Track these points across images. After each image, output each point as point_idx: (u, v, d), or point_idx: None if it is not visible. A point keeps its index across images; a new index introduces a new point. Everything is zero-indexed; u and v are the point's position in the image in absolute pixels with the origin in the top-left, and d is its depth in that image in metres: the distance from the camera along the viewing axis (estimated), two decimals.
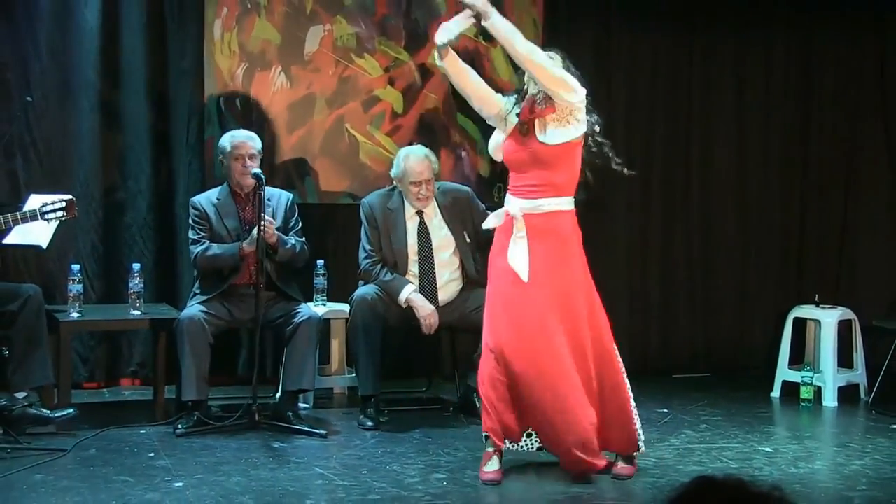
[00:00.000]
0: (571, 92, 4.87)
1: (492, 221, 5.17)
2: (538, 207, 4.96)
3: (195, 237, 6.04)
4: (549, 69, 4.84)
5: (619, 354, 5.12)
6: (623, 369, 5.11)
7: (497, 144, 5.19)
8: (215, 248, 5.97)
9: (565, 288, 4.95)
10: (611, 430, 5.01)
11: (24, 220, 5.46)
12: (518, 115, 5.02)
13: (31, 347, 5.58)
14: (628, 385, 5.11)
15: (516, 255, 4.95)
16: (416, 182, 6.09)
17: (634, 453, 5.09)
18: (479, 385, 5.12)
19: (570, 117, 4.92)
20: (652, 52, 7.67)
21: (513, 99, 5.11)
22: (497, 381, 4.94)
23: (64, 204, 5.50)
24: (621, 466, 5.04)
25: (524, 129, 4.99)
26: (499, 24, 4.87)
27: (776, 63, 7.88)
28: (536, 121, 4.96)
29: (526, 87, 5.04)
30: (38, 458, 5.19)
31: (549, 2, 7.43)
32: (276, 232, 5.95)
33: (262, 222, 5.75)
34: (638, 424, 5.11)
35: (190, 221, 6.11)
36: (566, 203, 5.00)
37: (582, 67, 7.33)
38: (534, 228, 4.95)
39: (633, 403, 5.11)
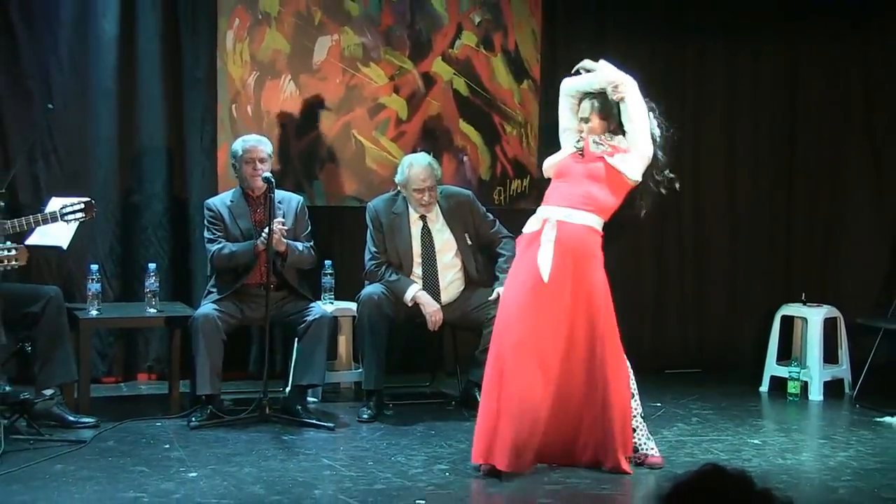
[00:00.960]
0: (640, 167, 5.04)
1: (529, 225, 5.10)
2: (572, 216, 4.96)
3: (210, 237, 6.05)
4: (649, 146, 5.06)
5: (628, 367, 5.09)
6: (630, 381, 5.08)
7: (552, 164, 5.21)
8: (231, 247, 5.97)
9: (581, 298, 4.93)
10: (608, 433, 4.95)
11: (46, 221, 5.48)
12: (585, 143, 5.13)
13: (55, 346, 5.58)
14: (634, 396, 5.09)
15: (543, 256, 4.92)
16: (420, 189, 6.10)
17: (630, 455, 5.06)
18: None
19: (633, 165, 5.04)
20: (646, 61, 7.62)
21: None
22: (492, 386, 4.91)
23: (83, 206, 5.51)
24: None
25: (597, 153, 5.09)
26: (636, 97, 5.11)
27: (764, 70, 7.88)
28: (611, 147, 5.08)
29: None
30: (59, 450, 5.19)
31: (547, 12, 7.44)
32: (286, 240, 5.95)
33: (273, 224, 5.76)
34: (637, 436, 5.09)
35: (205, 222, 6.11)
36: (597, 222, 5.01)
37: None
38: (564, 234, 4.93)
39: (635, 413, 5.09)
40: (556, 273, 4.89)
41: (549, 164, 5.23)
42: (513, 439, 4.82)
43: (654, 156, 5.10)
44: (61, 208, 5.48)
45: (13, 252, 4.84)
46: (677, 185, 5.26)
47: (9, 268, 4.88)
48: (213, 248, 6.01)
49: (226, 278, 6.02)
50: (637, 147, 5.04)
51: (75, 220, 5.52)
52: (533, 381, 4.86)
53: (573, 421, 4.95)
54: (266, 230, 5.81)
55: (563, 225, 4.94)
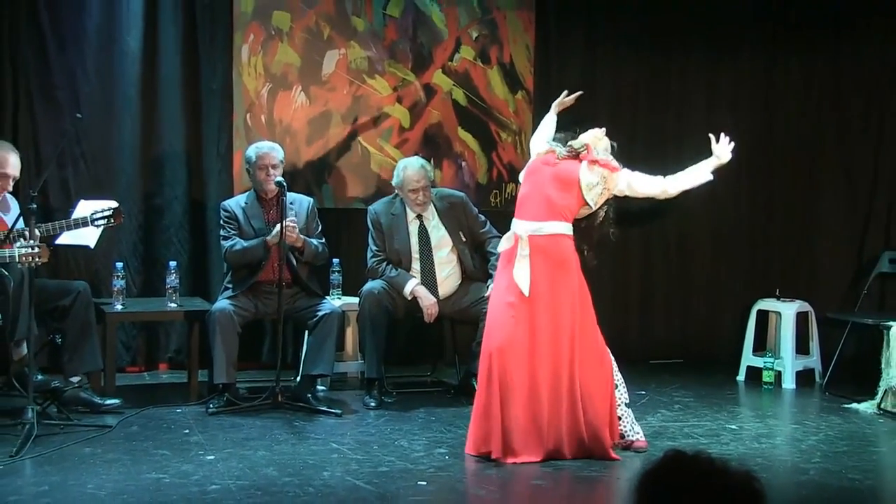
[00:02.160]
0: (602, 200, 5.05)
1: (503, 244, 5.15)
2: (540, 229, 4.97)
3: (225, 234, 6.06)
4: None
5: (611, 360, 5.09)
6: (615, 375, 5.08)
7: (536, 151, 5.27)
8: (243, 243, 5.98)
9: (560, 304, 4.94)
10: (592, 425, 4.95)
11: (77, 226, 5.51)
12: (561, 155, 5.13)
13: (83, 337, 5.60)
14: (616, 386, 5.09)
15: (520, 272, 4.95)
16: (414, 189, 6.13)
17: (617, 442, 5.09)
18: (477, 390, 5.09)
19: (600, 185, 5.03)
20: (632, 72, 7.68)
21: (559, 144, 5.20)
22: (485, 385, 4.93)
23: (111, 212, 5.52)
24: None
25: (572, 153, 5.10)
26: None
27: (744, 82, 7.89)
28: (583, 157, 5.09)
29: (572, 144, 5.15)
30: (87, 434, 5.21)
31: (540, 28, 7.45)
32: (302, 236, 5.98)
33: (285, 225, 5.79)
34: (623, 423, 5.11)
35: (220, 222, 6.12)
36: (565, 227, 5.00)
37: (568, 87, 7.45)
38: (536, 248, 4.96)
39: (619, 405, 5.10)
40: (534, 284, 4.92)
41: (533, 149, 5.29)
42: (503, 431, 4.86)
43: (607, 213, 5.15)
44: (91, 213, 5.50)
45: (36, 250, 4.88)
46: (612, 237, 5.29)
47: (32, 265, 4.92)
48: (227, 244, 6.02)
49: (241, 275, 6.03)
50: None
51: (104, 225, 5.56)
52: (520, 380, 4.88)
53: (558, 416, 4.92)
54: (276, 226, 5.82)
55: (534, 239, 4.97)
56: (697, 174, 5.15)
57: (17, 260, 4.86)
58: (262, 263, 5.99)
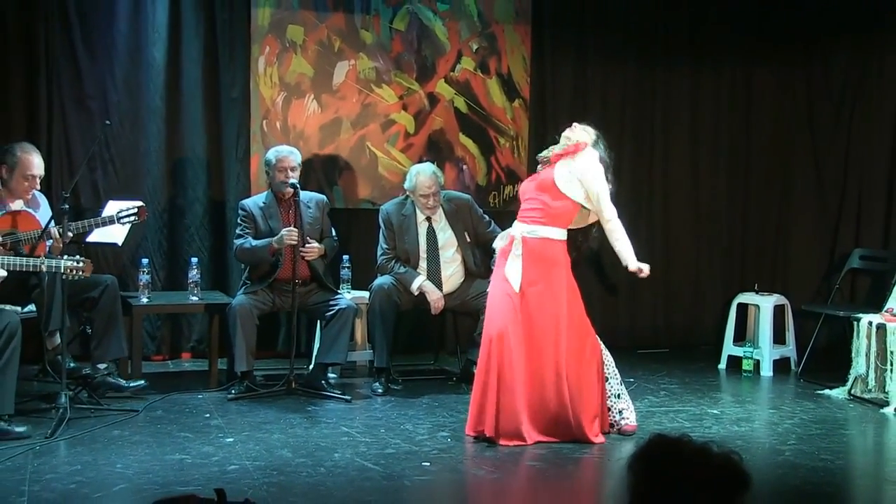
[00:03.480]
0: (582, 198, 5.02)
1: (499, 242, 5.19)
2: (534, 232, 5.00)
3: (239, 232, 6.05)
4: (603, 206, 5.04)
5: (603, 354, 5.09)
6: (605, 368, 5.09)
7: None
8: (252, 242, 5.96)
9: (548, 300, 4.96)
10: (580, 413, 4.96)
11: (105, 224, 5.52)
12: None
13: (110, 327, 5.60)
14: (607, 379, 5.10)
15: (511, 270, 4.98)
16: (426, 194, 6.14)
17: (607, 431, 5.10)
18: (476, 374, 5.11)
19: (577, 181, 5.00)
20: (621, 83, 7.69)
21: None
22: (490, 369, 4.94)
23: (136, 210, 5.54)
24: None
25: (544, 161, 5.11)
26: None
27: (723, 91, 7.90)
28: (552, 159, 5.08)
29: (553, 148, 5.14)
30: (115, 418, 5.23)
31: (535, 41, 7.46)
32: (314, 242, 5.98)
33: (300, 239, 5.83)
34: (621, 403, 5.12)
35: (238, 220, 6.13)
36: (558, 233, 5.02)
37: (562, 96, 7.48)
38: (529, 249, 4.98)
39: (609, 393, 5.10)
40: (525, 281, 4.94)
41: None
42: (496, 412, 4.88)
43: (594, 232, 5.17)
44: (118, 212, 5.51)
45: (81, 265, 4.88)
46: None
47: (75, 278, 4.92)
48: (238, 242, 6.02)
49: (259, 273, 6.02)
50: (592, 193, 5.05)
51: (129, 222, 5.58)
52: (517, 366, 4.90)
53: (547, 403, 4.94)
54: (281, 231, 5.82)
55: (527, 240, 5.00)
56: (627, 251, 5.04)
57: (62, 271, 4.85)
58: (278, 265, 5.97)
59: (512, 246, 5.02)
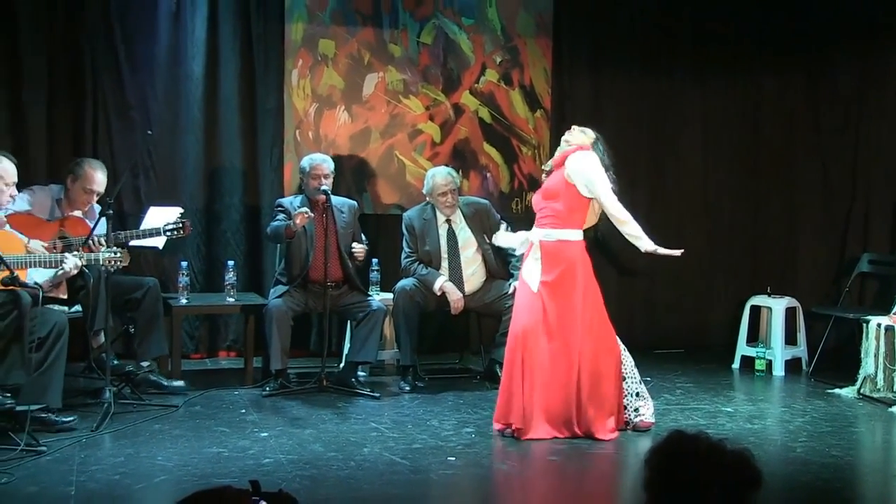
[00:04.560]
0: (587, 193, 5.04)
1: (520, 248, 5.26)
2: (549, 235, 5.03)
3: (273, 217, 6.09)
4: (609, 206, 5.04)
5: (622, 354, 5.10)
6: (623, 367, 5.09)
7: None
8: (278, 222, 5.96)
9: (567, 300, 4.97)
10: (601, 409, 4.98)
11: (151, 235, 5.62)
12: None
13: (152, 326, 5.66)
14: (624, 378, 5.09)
15: (531, 272, 5.02)
16: (444, 193, 6.15)
17: (622, 428, 5.10)
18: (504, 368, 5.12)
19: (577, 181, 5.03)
20: (635, 91, 7.64)
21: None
22: (515, 363, 4.96)
23: (181, 224, 5.61)
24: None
25: (548, 171, 5.16)
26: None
27: (733, 99, 7.85)
28: (554, 167, 5.11)
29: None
30: (156, 412, 5.28)
31: (556, 54, 7.45)
32: (364, 245, 6.06)
33: (355, 249, 5.96)
34: (639, 401, 5.12)
35: (274, 212, 6.14)
36: (573, 234, 5.03)
37: (581, 106, 7.46)
38: (546, 251, 5.02)
39: (626, 392, 5.10)
40: (544, 283, 4.97)
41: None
42: (524, 407, 4.90)
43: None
44: (165, 225, 5.59)
45: (119, 255, 4.95)
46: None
47: (113, 268, 4.99)
48: (272, 223, 6.05)
49: (292, 270, 6.03)
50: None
51: (174, 236, 5.64)
52: (540, 362, 4.92)
53: (567, 399, 4.95)
54: (296, 218, 5.77)
55: (544, 244, 5.03)
56: (639, 236, 5.04)
57: (101, 263, 4.92)
58: (308, 262, 5.98)
59: (531, 251, 5.08)
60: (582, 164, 5.02)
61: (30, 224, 5.22)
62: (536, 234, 5.10)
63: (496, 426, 5.04)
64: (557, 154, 5.16)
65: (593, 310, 5.03)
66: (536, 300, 4.97)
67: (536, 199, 5.20)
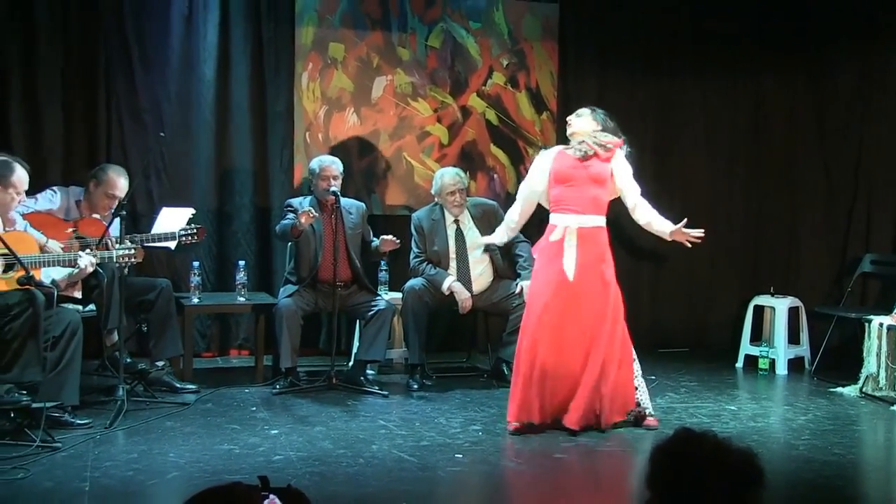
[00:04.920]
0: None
1: (555, 234, 5.07)
2: (587, 222, 5.03)
3: (282, 217, 6.12)
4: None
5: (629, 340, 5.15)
6: (634, 352, 5.15)
7: (532, 192, 5.27)
8: (287, 220, 5.98)
9: (600, 292, 5.00)
10: (615, 397, 5.03)
11: (165, 239, 5.65)
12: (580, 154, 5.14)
13: (166, 327, 5.68)
14: (635, 359, 5.15)
15: (568, 258, 4.98)
16: (452, 192, 6.16)
17: (632, 409, 5.14)
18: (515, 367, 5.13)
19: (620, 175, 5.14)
20: (639, 96, 7.64)
21: (551, 151, 5.25)
22: (528, 363, 4.97)
23: (196, 230, 5.65)
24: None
25: (589, 153, 5.12)
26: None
27: (735, 100, 7.84)
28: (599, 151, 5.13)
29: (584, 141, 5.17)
30: (169, 410, 5.30)
31: (562, 57, 7.46)
32: (392, 237, 6.07)
33: (386, 238, 6.02)
34: (640, 394, 5.15)
35: (283, 212, 6.16)
36: (604, 221, 5.09)
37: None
38: (583, 239, 5.00)
39: (637, 376, 5.15)
40: (579, 272, 4.97)
41: (529, 193, 5.30)
42: (540, 401, 4.94)
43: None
44: (180, 230, 5.62)
45: (132, 251, 4.97)
46: None
47: (128, 264, 5.02)
48: (282, 222, 6.07)
49: (301, 270, 6.05)
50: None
51: (189, 242, 5.66)
52: (553, 355, 4.94)
53: (584, 391, 4.98)
54: (301, 218, 5.78)
55: (581, 231, 5.01)
56: (662, 224, 5.14)
57: (114, 260, 4.95)
58: (317, 262, 6.01)
59: (565, 238, 5.01)
60: (625, 161, 5.15)
61: (48, 223, 5.25)
62: (572, 219, 5.04)
63: (511, 425, 5.02)
64: (594, 146, 5.11)
65: (617, 302, 5.08)
66: (568, 289, 4.95)
67: (574, 175, 5.09)
